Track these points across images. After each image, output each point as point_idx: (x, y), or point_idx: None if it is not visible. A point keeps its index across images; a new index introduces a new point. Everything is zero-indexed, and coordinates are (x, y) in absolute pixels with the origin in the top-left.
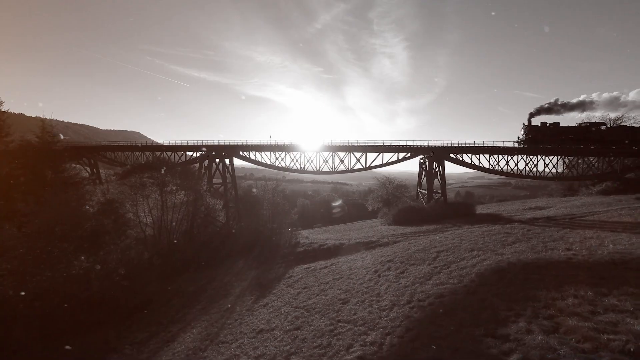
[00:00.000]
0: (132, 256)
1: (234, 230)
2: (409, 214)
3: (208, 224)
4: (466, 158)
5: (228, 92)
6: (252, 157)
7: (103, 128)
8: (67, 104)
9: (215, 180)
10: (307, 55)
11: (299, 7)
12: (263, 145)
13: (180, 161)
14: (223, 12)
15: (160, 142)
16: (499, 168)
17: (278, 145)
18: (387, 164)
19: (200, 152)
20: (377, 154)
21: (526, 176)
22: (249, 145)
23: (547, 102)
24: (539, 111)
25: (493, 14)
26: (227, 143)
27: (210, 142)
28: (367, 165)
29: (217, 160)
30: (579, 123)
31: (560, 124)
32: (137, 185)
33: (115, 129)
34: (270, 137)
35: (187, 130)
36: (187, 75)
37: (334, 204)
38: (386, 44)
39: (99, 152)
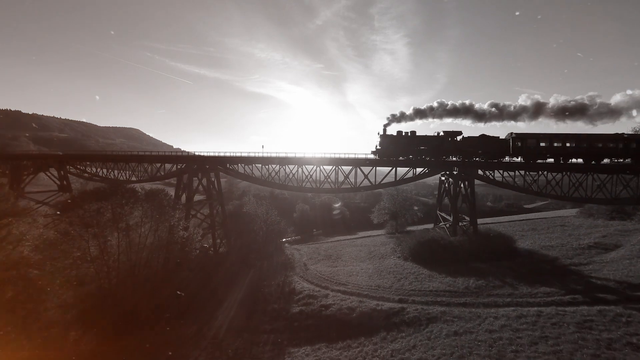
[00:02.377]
0: (53, 337)
1: (221, 249)
2: (431, 249)
3: (184, 258)
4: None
5: (229, 89)
6: (241, 171)
7: (101, 125)
8: (65, 100)
9: (198, 197)
10: (307, 52)
11: (299, 4)
12: (254, 157)
13: (158, 174)
14: (223, 9)
15: (160, 139)
16: (537, 187)
17: (271, 157)
18: (401, 181)
19: (180, 166)
20: (389, 168)
21: (571, 198)
22: (237, 157)
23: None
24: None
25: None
26: (212, 154)
27: (192, 153)
28: (377, 183)
29: (200, 174)
30: (437, 132)
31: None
32: (81, 224)
33: (113, 125)
34: (263, 147)
35: (186, 127)
36: (188, 71)
37: (334, 205)
38: (387, 40)
39: (69, 162)
